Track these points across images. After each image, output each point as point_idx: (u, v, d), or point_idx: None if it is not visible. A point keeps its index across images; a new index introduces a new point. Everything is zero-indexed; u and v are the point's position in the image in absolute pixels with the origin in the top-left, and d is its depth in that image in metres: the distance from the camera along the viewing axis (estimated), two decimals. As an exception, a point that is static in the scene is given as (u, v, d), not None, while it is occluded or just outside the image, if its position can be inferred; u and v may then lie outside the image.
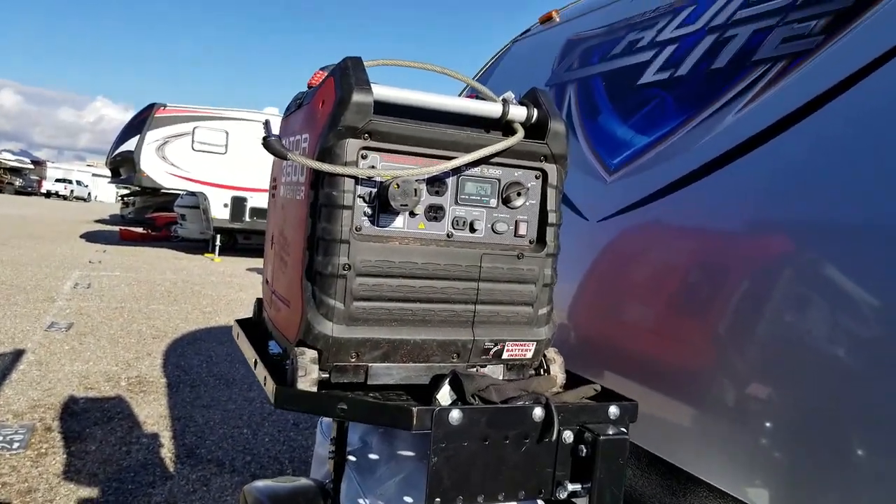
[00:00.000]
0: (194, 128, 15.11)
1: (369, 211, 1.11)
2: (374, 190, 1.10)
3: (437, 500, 1.01)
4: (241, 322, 1.57)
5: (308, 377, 1.07)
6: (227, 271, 13.17)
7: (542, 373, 1.25)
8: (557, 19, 2.29)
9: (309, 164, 1.07)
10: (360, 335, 1.10)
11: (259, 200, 15.25)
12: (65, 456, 3.90)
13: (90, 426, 4.39)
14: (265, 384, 1.16)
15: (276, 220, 1.39)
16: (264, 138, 1.12)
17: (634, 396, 1.18)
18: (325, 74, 1.23)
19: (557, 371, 1.24)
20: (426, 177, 1.12)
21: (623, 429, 1.11)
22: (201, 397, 5.19)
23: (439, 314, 1.15)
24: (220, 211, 15.18)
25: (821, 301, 1.12)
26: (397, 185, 1.06)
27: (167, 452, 4.10)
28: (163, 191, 16.67)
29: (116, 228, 20.82)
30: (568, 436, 1.09)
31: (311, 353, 1.09)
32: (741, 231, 1.29)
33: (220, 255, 15.21)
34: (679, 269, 1.41)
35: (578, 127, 1.74)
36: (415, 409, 1.00)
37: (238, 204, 15.27)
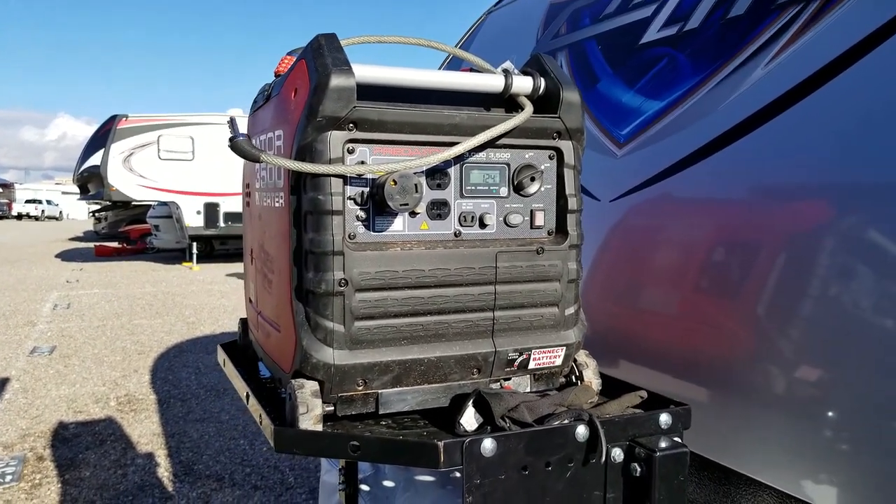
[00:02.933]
0: (159, 136, 14.75)
1: (363, 214, 0.95)
2: (367, 189, 0.94)
3: (476, 545, 0.86)
4: (225, 347, 1.40)
5: (310, 414, 0.91)
6: (206, 279, 12.91)
7: (573, 380, 1.10)
8: (536, -16, 2.11)
9: (287, 164, 0.90)
10: (365, 360, 0.94)
11: (232, 204, 14.98)
12: (60, 485, 3.75)
13: (83, 451, 4.23)
14: (262, 424, 1.00)
15: (253, 231, 1.22)
16: (231, 139, 0.95)
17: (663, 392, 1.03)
18: (295, 59, 1.06)
19: (591, 376, 1.09)
20: (425, 168, 0.96)
21: (677, 439, 0.97)
22: (193, 411, 5.03)
23: (454, 326, 0.99)
24: (193, 218, 14.89)
25: (872, 278, 0.98)
26: (394, 181, 0.90)
27: (164, 472, 3.96)
28: (134, 203, 16.32)
29: (91, 245, 20.39)
30: (617, 454, 0.94)
31: (312, 386, 0.93)
32: (781, 203, 1.14)
33: (197, 262, 14.91)
34: (706, 252, 1.27)
35: (576, 98, 1.57)
36: (441, 444, 0.85)
37: (211, 210, 14.98)
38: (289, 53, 1.12)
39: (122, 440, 4.46)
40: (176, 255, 16.94)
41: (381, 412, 0.98)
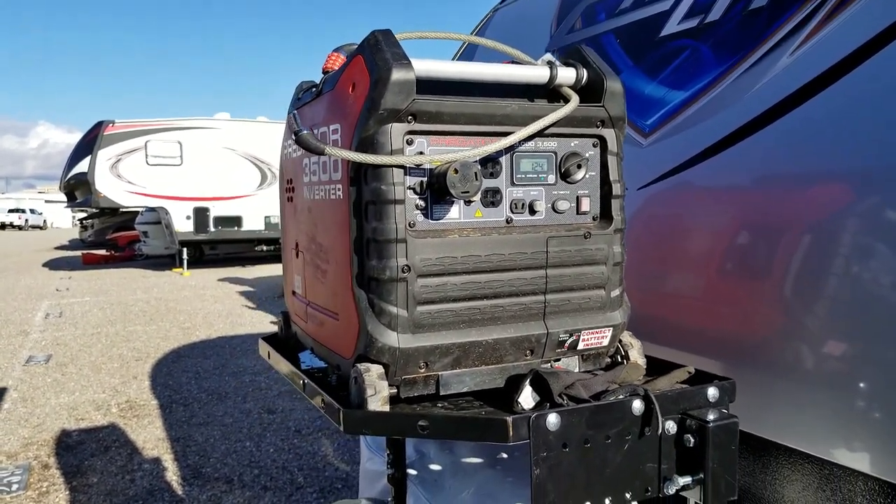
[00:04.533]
0: (146, 142, 14.64)
1: (422, 203, 0.98)
2: (425, 179, 0.98)
3: (544, 515, 0.91)
4: (267, 339, 1.44)
5: (378, 395, 0.95)
6: (198, 284, 12.84)
7: (619, 360, 1.14)
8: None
9: (351, 157, 0.94)
10: (428, 343, 0.98)
11: (222, 209, 14.92)
12: (67, 493, 3.74)
13: (88, 458, 4.21)
14: (325, 408, 1.03)
15: (299, 225, 1.25)
16: (296, 133, 0.98)
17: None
18: (345, 55, 1.10)
19: (637, 356, 1.13)
20: (479, 158, 1.00)
21: (725, 410, 1.02)
22: (196, 415, 5.03)
23: (509, 309, 1.03)
24: (183, 224, 14.80)
25: (892, 258, 1.04)
26: (455, 170, 0.94)
27: (172, 476, 3.96)
28: (121, 209, 16.18)
29: (78, 253, 20.16)
30: (671, 426, 0.99)
31: (378, 369, 0.97)
32: (804, 191, 1.19)
33: (188, 268, 14.83)
34: (731, 237, 1.32)
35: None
36: (509, 419, 0.89)
37: (201, 214, 14.90)
38: (335, 50, 1.15)
39: (128, 446, 4.45)
40: (165, 262, 16.82)
41: (441, 393, 1.02)
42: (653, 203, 1.45)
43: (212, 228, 15.02)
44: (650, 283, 1.49)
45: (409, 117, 0.95)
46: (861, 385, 1.07)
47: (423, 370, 1.00)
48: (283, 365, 1.27)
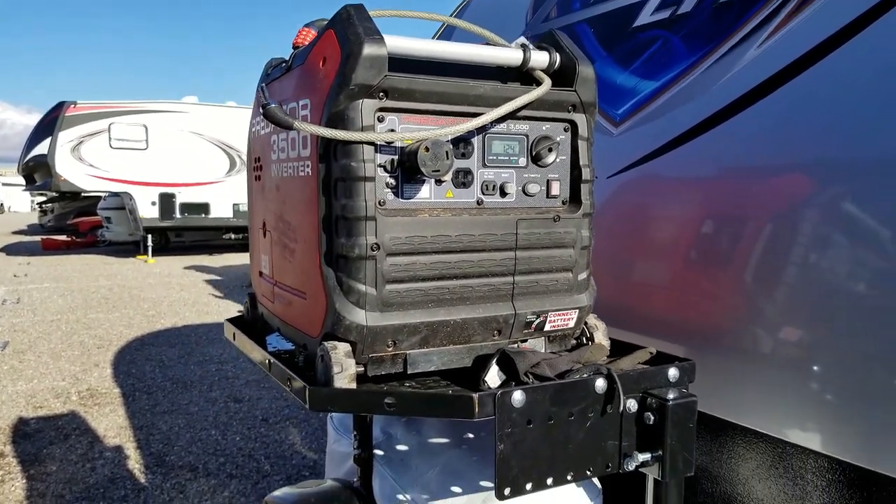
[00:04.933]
0: (110, 124, 14.26)
1: (392, 182, 0.98)
2: (396, 157, 0.98)
3: (507, 489, 0.92)
4: (233, 321, 1.42)
5: (345, 373, 0.95)
6: (163, 272, 12.61)
7: (584, 342, 1.16)
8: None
9: (321, 132, 0.93)
10: (396, 321, 0.99)
11: (189, 195, 14.64)
12: (25, 481, 3.65)
13: (47, 446, 4.12)
14: (291, 386, 1.03)
15: (267, 204, 1.24)
16: (264, 106, 0.97)
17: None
18: (316, 31, 1.09)
19: (601, 338, 1.15)
20: (451, 138, 1.00)
21: (685, 390, 1.04)
22: (160, 403, 4.95)
23: (477, 290, 1.04)
24: (147, 210, 14.48)
25: (852, 248, 1.07)
26: (427, 148, 0.94)
27: (134, 464, 3.89)
28: (83, 194, 15.78)
29: (37, 238, 19.64)
30: (632, 404, 1.01)
31: (345, 347, 0.97)
32: (771, 180, 1.23)
33: (153, 256, 14.55)
34: (698, 226, 1.35)
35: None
36: (476, 396, 0.90)
37: (166, 201, 14.59)
38: (306, 26, 1.14)
39: (88, 434, 4.36)
40: (129, 249, 16.47)
41: (409, 372, 1.02)
42: (623, 191, 1.47)
43: (178, 215, 14.73)
44: (620, 270, 1.51)
45: (381, 94, 0.95)
46: (815, 368, 1.11)
47: (390, 349, 1.00)
48: (248, 346, 1.26)
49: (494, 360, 1.01)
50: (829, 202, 1.13)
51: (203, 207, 14.95)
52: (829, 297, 1.10)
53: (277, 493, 1.34)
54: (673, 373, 1.05)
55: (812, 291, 1.13)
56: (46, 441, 4.22)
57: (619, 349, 1.17)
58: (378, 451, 1.29)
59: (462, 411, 0.91)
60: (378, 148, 0.96)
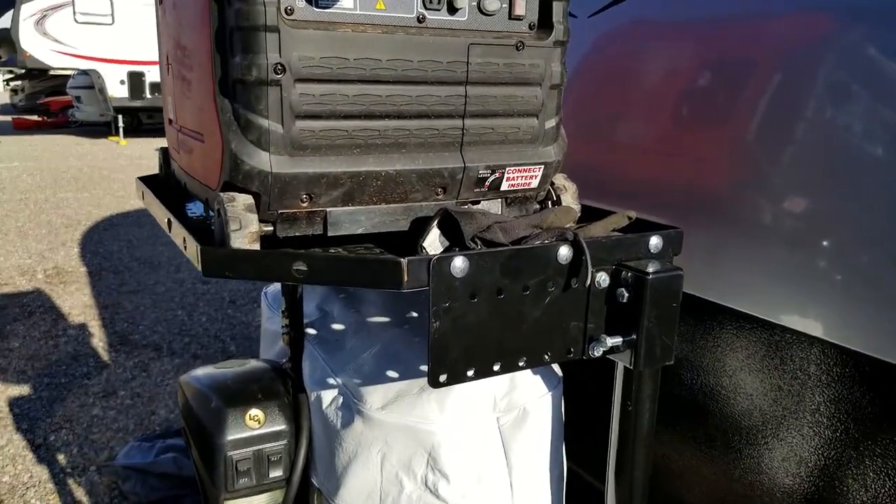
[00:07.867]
0: (74, -5, 13.34)
1: None
2: (308, -50, 0.73)
3: (444, 376, 0.75)
4: (145, 179, 1.21)
5: (245, 230, 0.75)
6: (135, 154, 12.20)
7: (550, 206, 0.97)
8: None
9: None
10: (310, 169, 0.78)
11: (159, 75, 13.94)
12: (-15, 356, 3.56)
13: (10, 323, 4.03)
14: (185, 247, 0.84)
15: (168, 30, 1.00)
16: None
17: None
18: None
19: (570, 201, 0.96)
20: (382, -74, 0.75)
21: (669, 263, 0.86)
22: (127, 283, 4.83)
23: (416, 134, 0.83)
24: (117, 89, 13.82)
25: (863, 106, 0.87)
26: (344, -68, 0.69)
27: (98, 342, 3.81)
28: (51, 72, 14.97)
29: (8, 118, 18.89)
30: (602, 278, 0.83)
31: (245, 199, 0.77)
32: (774, 20, 0.99)
33: (124, 137, 14.03)
34: (688, 71, 1.12)
35: None
36: (404, 261, 0.71)
37: (136, 80, 13.91)
38: None
39: (52, 311, 4.26)
40: (101, 129, 15.87)
41: (330, 234, 0.83)
42: (605, 33, 1.23)
43: (148, 95, 14.07)
44: (595, 126, 1.30)
45: None
46: (823, 243, 0.93)
47: (305, 204, 0.80)
48: (153, 205, 1.06)
49: (435, 222, 0.81)
50: (845, 47, 0.91)
51: (175, 87, 14.26)
52: (839, 158, 0.91)
53: (194, 372, 1.19)
54: (655, 242, 0.86)
55: (819, 151, 0.93)
56: (10, 318, 4.12)
57: (592, 215, 0.98)
58: (310, 330, 1.13)
59: (387, 280, 0.72)
60: None
